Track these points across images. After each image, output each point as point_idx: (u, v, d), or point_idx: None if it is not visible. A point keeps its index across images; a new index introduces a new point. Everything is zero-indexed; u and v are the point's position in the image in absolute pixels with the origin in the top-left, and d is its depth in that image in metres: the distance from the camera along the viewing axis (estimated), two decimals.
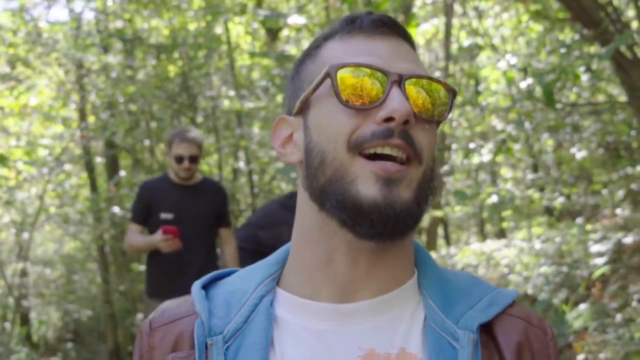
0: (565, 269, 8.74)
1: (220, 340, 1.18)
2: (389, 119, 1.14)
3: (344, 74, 1.17)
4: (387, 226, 1.13)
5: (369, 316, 1.19)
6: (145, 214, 5.54)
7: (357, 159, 1.14)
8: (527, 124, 7.87)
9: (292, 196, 6.48)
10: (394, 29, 1.25)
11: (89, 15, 14.64)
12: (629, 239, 8.17)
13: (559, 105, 7.61)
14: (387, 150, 1.14)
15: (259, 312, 1.21)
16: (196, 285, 1.28)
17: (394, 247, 1.20)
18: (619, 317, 6.58)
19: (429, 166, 1.19)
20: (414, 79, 1.18)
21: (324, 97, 1.20)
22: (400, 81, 1.16)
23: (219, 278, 1.33)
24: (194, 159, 5.43)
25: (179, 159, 5.41)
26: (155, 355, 1.25)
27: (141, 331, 1.30)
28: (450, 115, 1.16)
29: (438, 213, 11.07)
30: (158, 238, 5.14)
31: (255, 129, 10.55)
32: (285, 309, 1.22)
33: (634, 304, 6.78)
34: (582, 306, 7.31)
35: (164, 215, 5.41)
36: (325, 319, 1.19)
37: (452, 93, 1.22)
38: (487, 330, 1.19)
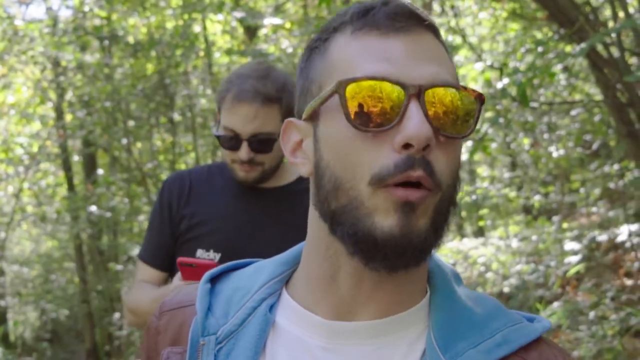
0: (541, 267, 8.78)
1: (212, 341, 1.14)
2: (407, 145, 1.01)
3: (354, 91, 1.04)
4: (403, 259, 1.04)
5: (363, 338, 1.10)
6: (169, 247, 2.70)
7: (378, 191, 1.02)
8: (502, 121, 7.89)
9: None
10: (413, 20, 1.09)
11: (66, 13, 14.56)
12: (603, 237, 8.21)
13: (534, 104, 7.63)
14: (408, 181, 1.02)
15: (256, 316, 1.15)
16: (204, 277, 1.23)
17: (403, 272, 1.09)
18: (592, 314, 6.62)
19: (449, 187, 1.07)
20: (435, 89, 1.04)
21: (333, 111, 1.07)
22: (419, 93, 1.03)
23: (234, 269, 1.28)
24: (264, 144, 2.55)
25: (231, 141, 2.56)
26: (159, 340, 1.23)
27: (154, 313, 1.27)
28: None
29: None
30: (174, 287, 2.44)
31: None
32: (285, 315, 1.16)
33: (607, 301, 6.82)
34: (556, 304, 7.35)
35: (203, 254, 2.63)
36: (320, 334, 1.12)
37: (480, 100, 1.09)
38: None
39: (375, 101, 1.03)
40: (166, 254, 2.67)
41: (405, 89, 1.02)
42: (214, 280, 1.25)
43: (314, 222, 1.15)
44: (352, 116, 1.04)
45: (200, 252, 2.61)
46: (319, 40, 1.15)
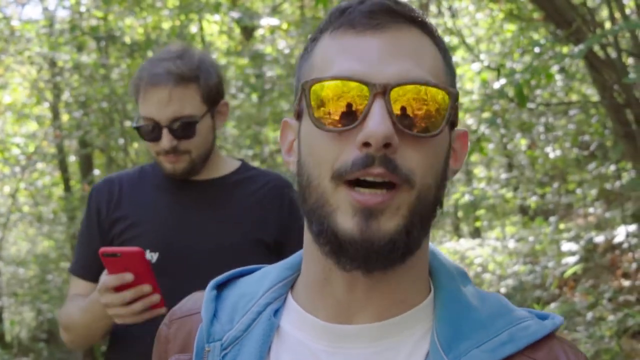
0: (538, 267, 8.79)
1: (218, 347, 1.14)
2: (367, 144, 1.01)
3: (318, 91, 1.05)
4: (368, 261, 1.03)
5: (366, 342, 1.09)
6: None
7: (339, 188, 1.03)
8: (499, 122, 7.89)
9: None
10: (391, 16, 1.08)
11: (62, 13, 14.54)
12: (600, 238, 8.21)
13: (531, 105, 7.63)
14: (369, 179, 1.02)
15: (261, 321, 1.15)
16: (211, 284, 1.23)
17: (392, 272, 1.07)
18: (589, 315, 6.62)
19: (427, 186, 1.05)
20: (402, 87, 1.03)
21: (306, 110, 1.09)
22: (384, 92, 1.02)
23: (241, 275, 1.27)
24: (186, 129, 2.37)
25: (152, 132, 2.38)
26: (169, 348, 1.23)
27: (163, 321, 1.28)
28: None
29: None
30: (100, 285, 2.18)
31: (229, 128, 10.52)
32: (289, 319, 1.16)
33: (605, 302, 6.82)
34: (553, 305, 7.35)
35: None
36: (322, 338, 1.11)
37: (453, 96, 1.07)
38: None
39: (339, 101, 1.04)
40: (97, 264, 2.28)
41: (370, 87, 1.02)
42: (221, 287, 1.24)
43: (305, 223, 1.14)
44: (315, 116, 1.05)
45: None
46: (309, 42, 1.16)
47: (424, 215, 1.06)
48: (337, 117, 1.04)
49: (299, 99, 1.10)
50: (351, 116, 1.04)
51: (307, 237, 1.13)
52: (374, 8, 1.08)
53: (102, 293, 2.15)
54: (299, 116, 1.13)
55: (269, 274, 1.22)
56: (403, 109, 1.03)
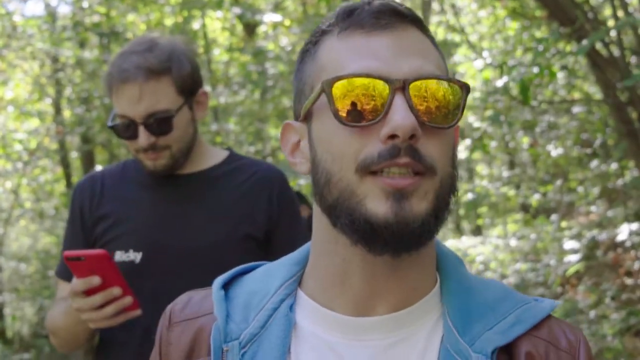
0: (540, 266, 8.79)
1: (236, 346, 1.14)
2: (393, 136, 1.04)
3: (339, 89, 1.07)
4: (402, 243, 1.06)
5: (384, 332, 1.12)
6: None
7: (365, 178, 1.06)
8: (502, 119, 7.89)
9: None
10: (397, 17, 1.12)
11: (65, 9, 14.53)
12: (603, 236, 8.21)
13: (534, 103, 7.62)
14: (394, 170, 1.05)
15: (277, 317, 1.16)
16: (216, 284, 1.23)
17: (412, 256, 1.11)
18: (592, 313, 6.62)
19: (447, 173, 1.10)
20: (420, 82, 1.07)
21: (323, 109, 1.11)
22: (404, 87, 1.06)
23: (243, 273, 1.27)
24: (163, 125, 2.26)
25: (128, 130, 2.28)
26: (171, 351, 1.22)
27: (161, 323, 1.26)
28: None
29: None
30: (69, 289, 2.13)
31: (231, 125, 10.53)
32: (304, 315, 1.17)
33: (607, 300, 6.82)
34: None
35: (122, 255, 2.31)
36: (341, 331, 1.13)
37: (465, 89, 1.12)
38: (509, 351, 1.11)
39: (361, 97, 1.07)
40: None
41: (390, 83, 1.06)
42: (226, 285, 1.24)
43: (318, 218, 1.16)
44: (339, 113, 1.07)
45: (119, 255, 2.30)
46: (310, 44, 1.19)
47: (446, 200, 1.10)
48: (358, 113, 1.07)
49: (315, 98, 1.12)
50: (372, 111, 1.07)
51: (321, 230, 1.16)
52: (382, 9, 1.12)
53: (72, 298, 2.09)
54: (306, 117, 1.16)
55: (278, 269, 1.23)
56: (421, 102, 1.07)
